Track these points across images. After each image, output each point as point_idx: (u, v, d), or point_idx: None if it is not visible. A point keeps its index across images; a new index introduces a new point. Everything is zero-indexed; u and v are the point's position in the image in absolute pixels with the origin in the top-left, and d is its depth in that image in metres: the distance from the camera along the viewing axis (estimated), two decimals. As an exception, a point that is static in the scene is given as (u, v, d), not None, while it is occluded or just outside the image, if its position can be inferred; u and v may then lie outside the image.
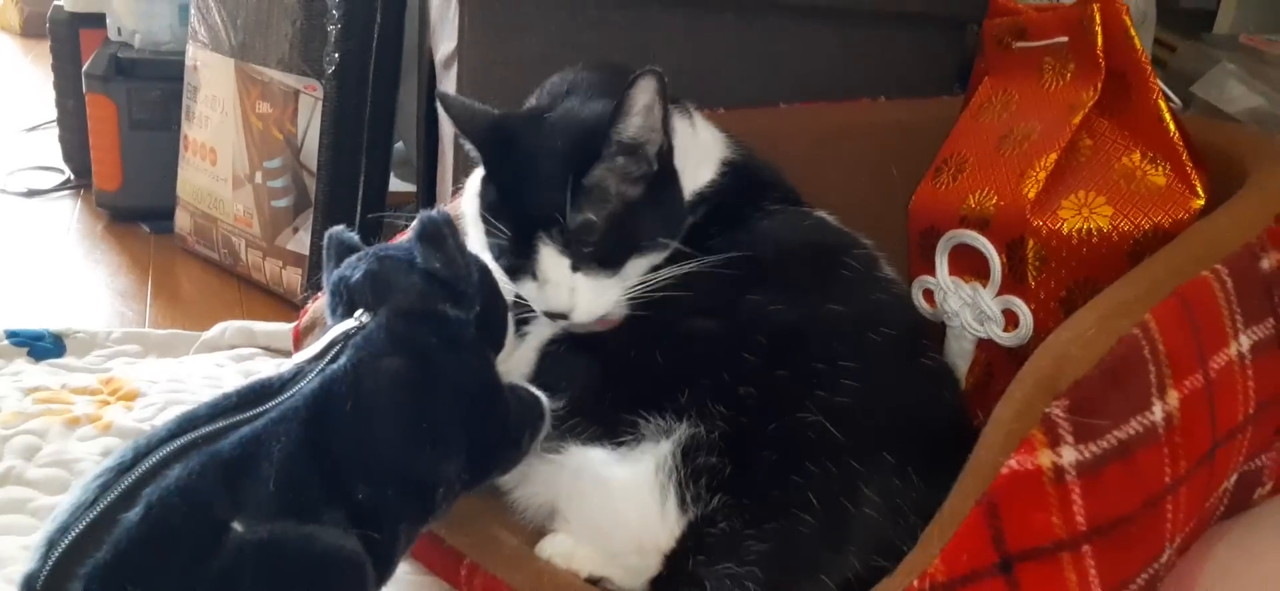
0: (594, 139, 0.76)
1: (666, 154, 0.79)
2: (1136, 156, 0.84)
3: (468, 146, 0.82)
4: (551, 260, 0.76)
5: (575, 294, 0.77)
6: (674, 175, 0.80)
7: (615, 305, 0.78)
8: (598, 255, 0.77)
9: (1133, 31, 0.84)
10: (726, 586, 0.67)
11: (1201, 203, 0.82)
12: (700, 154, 0.86)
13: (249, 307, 1.40)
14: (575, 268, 0.77)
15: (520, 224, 0.77)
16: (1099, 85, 0.84)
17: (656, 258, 0.80)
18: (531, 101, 0.85)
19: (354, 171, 1.38)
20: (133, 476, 0.59)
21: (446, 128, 1.24)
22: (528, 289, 0.78)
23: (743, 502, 0.70)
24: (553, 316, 0.78)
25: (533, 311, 0.82)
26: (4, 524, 0.84)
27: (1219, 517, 0.78)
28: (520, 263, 0.78)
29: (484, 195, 0.80)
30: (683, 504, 0.72)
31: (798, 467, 0.69)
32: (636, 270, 0.79)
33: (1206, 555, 0.75)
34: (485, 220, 0.80)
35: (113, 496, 0.58)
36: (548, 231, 0.76)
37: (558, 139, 0.78)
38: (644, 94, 0.75)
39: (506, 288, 0.78)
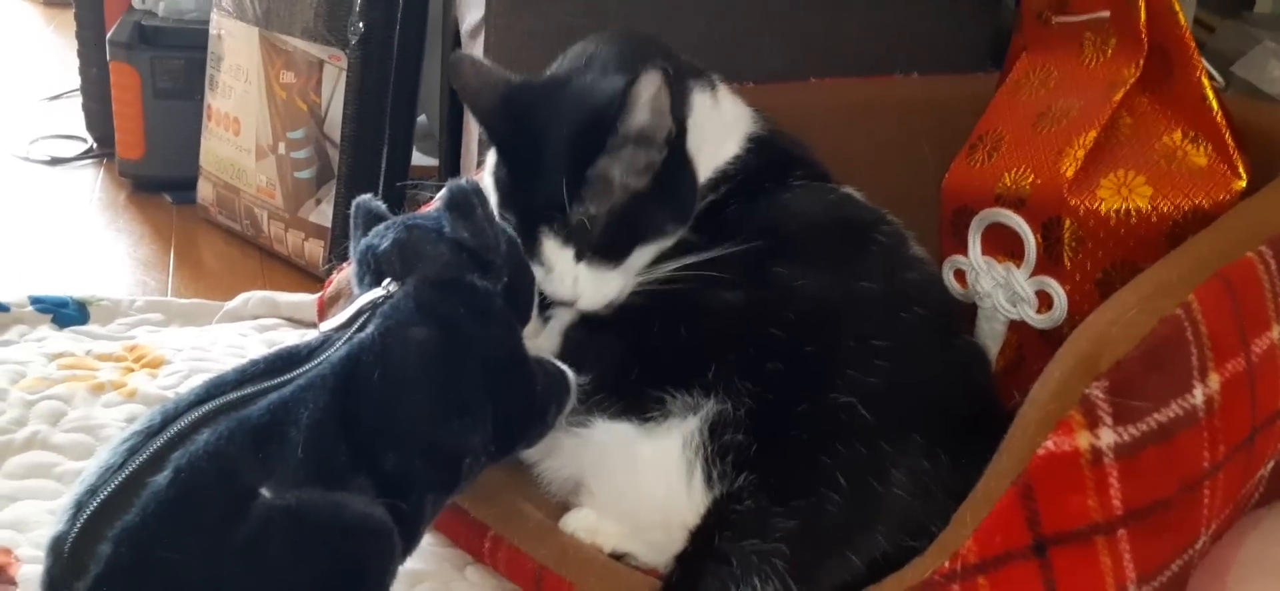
0: (599, 128, 0.74)
1: (677, 137, 0.77)
2: (1178, 135, 0.82)
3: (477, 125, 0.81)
4: (554, 250, 0.76)
5: (578, 283, 0.76)
6: (685, 159, 0.79)
7: (621, 293, 0.78)
8: (600, 248, 0.76)
9: (1177, 6, 0.82)
10: (753, 563, 0.66)
11: (1243, 184, 0.80)
12: (723, 129, 0.85)
13: (270, 279, 1.40)
14: (578, 257, 0.76)
15: (524, 213, 0.76)
16: (1141, 62, 0.83)
17: (665, 243, 0.79)
18: (551, 70, 0.84)
19: (377, 143, 1.38)
20: (161, 440, 0.59)
21: (471, 99, 1.23)
22: (536, 272, 0.77)
23: (769, 480, 0.69)
24: (558, 303, 0.78)
25: (550, 314, 0.81)
26: (30, 488, 0.84)
27: (1254, 505, 0.77)
28: (528, 248, 0.77)
29: (496, 170, 0.79)
30: (709, 480, 0.71)
31: (827, 448, 0.68)
32: (643, 258, 0.78)
33: (1239, 543, 0.74)
34: (499, 206, 0.79)
35: (141, 459, 0.58)
36: (550, 223, 0.75)
37: (564, 125, 0.76)
38: (647, 89, 0.73)
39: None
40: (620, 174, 0.75)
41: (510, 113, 0.78)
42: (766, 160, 0.85)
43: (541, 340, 0.81)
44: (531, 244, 0.76)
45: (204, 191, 1.56)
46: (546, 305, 0.81)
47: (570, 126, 0.76)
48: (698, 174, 0.81)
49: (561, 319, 0.81)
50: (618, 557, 0.75)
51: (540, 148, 0.76)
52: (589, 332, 0.79)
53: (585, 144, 0.74)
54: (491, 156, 0.86)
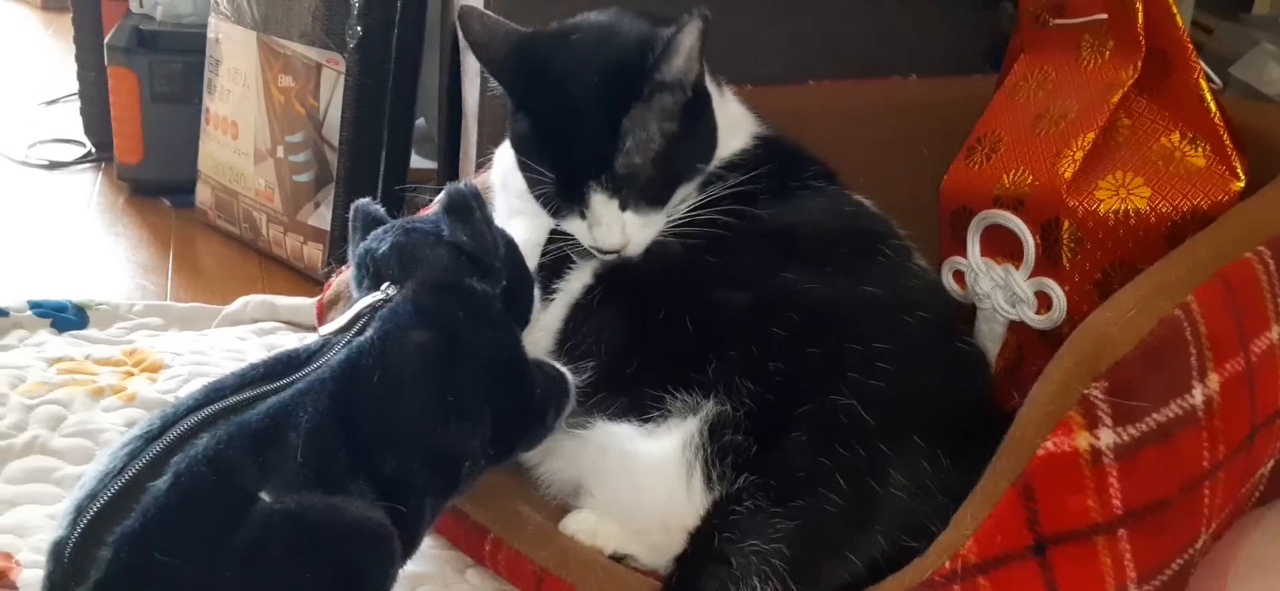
0: (633, 76, 0.76)
1: (700, 79, 0.79)
2: (1176, 137, 0.82)
3: (491, 81, 0.80)
4: (602, 204, 0.77)
5: (627, 230, 0.78)
6: (707, 97, 0.81)
7: (661, 232, 0.80)
8: (646, 194, 0.78)
9: (1174, 8, 0.82)
10: (752, 564, 0.66)
11: (1241, 185, 0.80)
12: (728, 124, 0.85)
13: (269, 283, 1.40)
14: (623, 206, 0.77)
15: (567, 169, 0.77)
16: (1139, 63, 0.83)
17: (697, 182, 0.81)
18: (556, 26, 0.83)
19: (376, 146, 1.38)
20: (161, 444, 0.59)
21: (470, 102, 1.23)
22: (576, 226, 0.79)
23: (769, 482, 0.69)
24: (604, 253, 0.79)
25: (558, 273, 0.81)
26: (29, 493, 0.84)
27: (1254, 504, 0.77)
28: (567, 205, 0.78)
29: (517, 128, 0.80)
30: (709, 481, 0.71)
31: (827, 450, 0.68)
32: (679, 197, 0.81)
33: (1240, 542, 0.74)
34: (523, 161, 0.79)
35: (141, 464, 0.58)
36: (597, 177, 0.76)
37: (593, 73, 0.77)
38: (690, 37, 0.75)
39: (532, 258, 0.78)
40: (657, 120, 0.77)
41: (525, 65, 0.79)
42: (776, 156, 0.85)
43: (541, 322, 0.81)
44: (576, 198, 0.77)
45: (202, 195, 1.56)
46: (547, 286, 0.81)
47: (601, 73, 0.77)
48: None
49: (566, 298, 0.81)
50: (618, 559, 0.75)
51: (573, 102, 0.77)
52: (592, 316, 0.79)
53: (620, 92, 0.76)
54: (498, 156, 0.87)
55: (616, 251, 0.79)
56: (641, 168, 0.77)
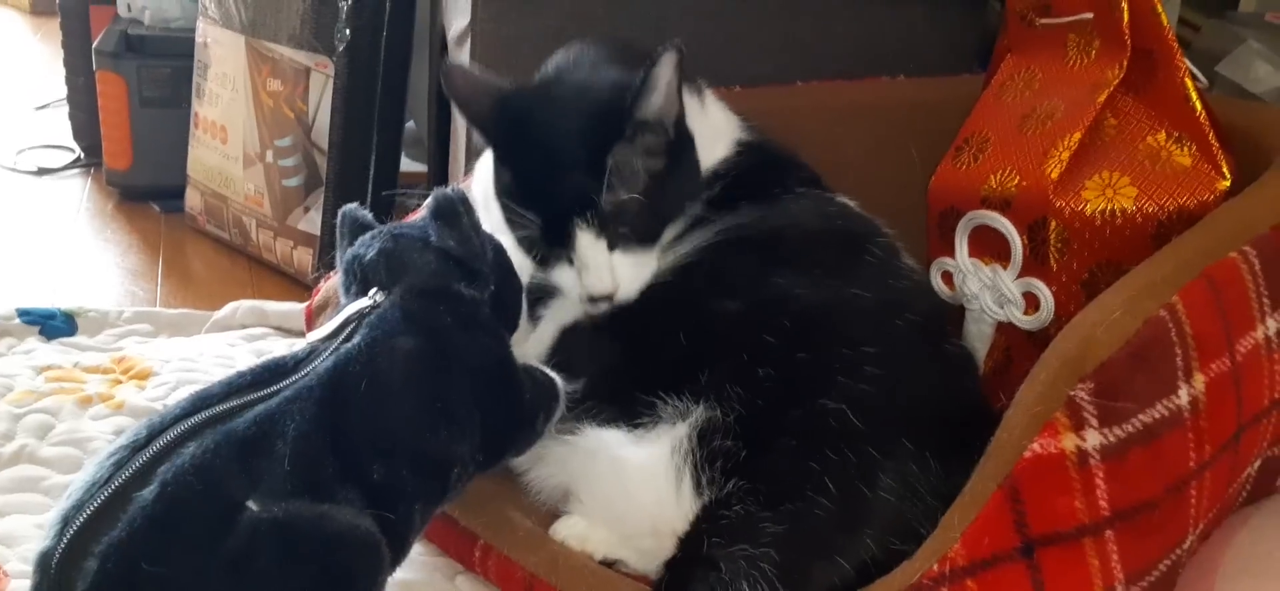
0: (613, 117, 0.75)
1: (681, 120, 0.79)
2: (1162, 136, 0.82)
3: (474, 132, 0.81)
4: (589, 245, 0.75)
5: (616, 273, 0.76)
6: (690, 138, 0.80)
7: (652, 276, 0.78)
8: (635, 233, 0.76)
9: (1160, 7, 0.82)
10: (741, 568, 0.66)
11: (1227, 184, 0.81)
12: (711, 133, 0.85)
13: (259, 288, 1.39)
14: (612, 247, 0.76)
15: (551, 211, 0.76)
16: (1124, 63, 0.83)
17: (684, 223, 0.80)
18: (539, 75, 0.84)
19: (365, 150, 1.38)
20: (147, 454, 0.58)
21: (459, 106, 1.23)
22: (564, 277, 0.77)
23: (758, 486, 0.69)
24: (596, 300, 0.77)
25: (548, 293, 0.81)
26: (17, 502, 0.83)
27: (1241, 504, 0.77)
28: (554, 251, 0.77)
29: (499, 180, 0.79)
30: (698, 486, 0.71)
31: (816, 454, 0.68)
32: (668, 237, 0.80)
33: (1228, 542, 0.75)
34: (507, 208, 0.78)
35: (127, 474, 0.58)
36: (583, 216, 0.75)
37: (574, 118, 0.77)
38: (666, 69, 0.74)
39: (521, 268, 0.78)
40: (641, 158, 0.76)
41: (507, 117, 0.79)
42: (759, 162, 0.85)
43: (530, 343, 0.81)
44: (562, 241, 0.76)
45: (192, 200, 1.56)
46: (535, 307, 0.81)
47: (582, 118, 0.76)
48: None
49: (555, 318, 0.81)
50: (608, 565, 0.75)
51: (555, 146, 0.76)
52: (582, 334, 0.79)
53: (601, 133, 0.75)
54: (482, 165, 0.86)
55: (608, 297, 0.77)
56: (628, 204, 0.75)
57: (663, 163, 0.77)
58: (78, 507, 0.57)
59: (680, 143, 0.78)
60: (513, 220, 0.78)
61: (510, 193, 0.78)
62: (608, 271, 0.76)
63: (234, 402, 0.62)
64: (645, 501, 0.73)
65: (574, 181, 0.75)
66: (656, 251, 0.79)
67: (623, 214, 0.75)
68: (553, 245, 0.77)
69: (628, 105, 0.74)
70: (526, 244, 0.78)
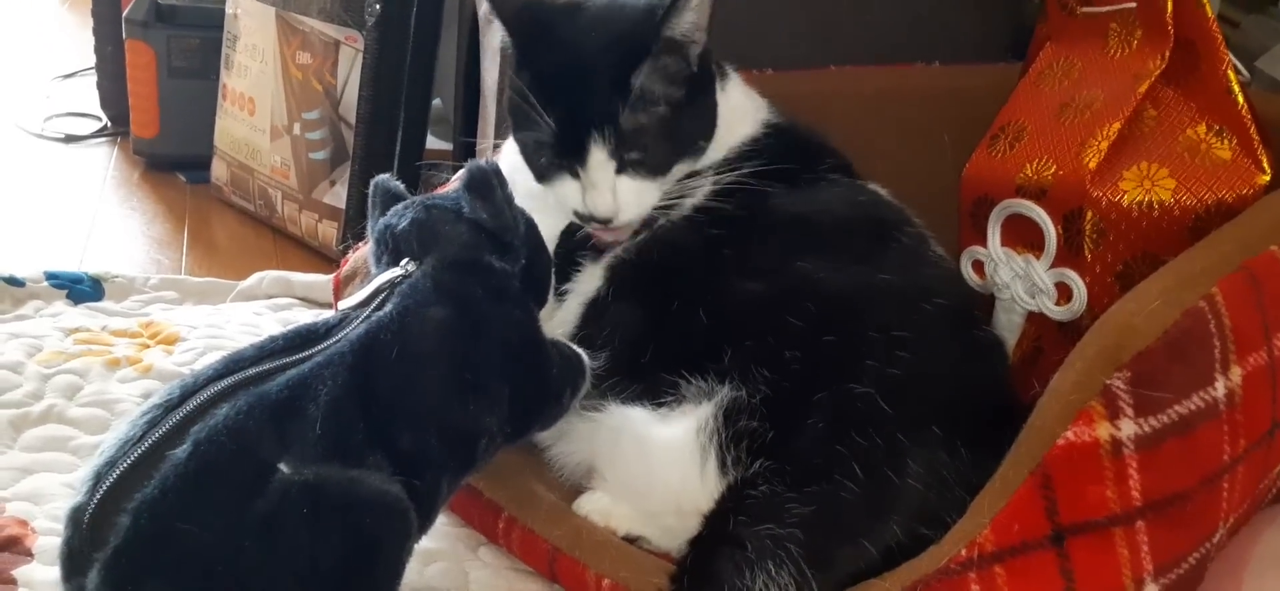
0: (641, 36, 0.75)
1: (706, 57, 0.79)
2: (1202, 128, 0.81)
3: (499, 30, 0.80)
4: (601, 163, 0.75)
5: (618, 196, 0.76)
6: (712, 78, 0.80)
7: (651, 209, 0.78)
8: (647, 159, 0.76)
9: (1204, -1, 0.81)
10: (767, 547, 0.66)
11: (1267, 178, 0.80)
12: (737, 112, 0.85)
13: (283, 260, 1.40)
14: (620, 170, 0.76)
15: (568, 122, 0.76)
16: (1166, 53, 0.82)
17: (694, 163, 0.80)
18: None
19: (392, 125, 1.38)
20: (181, 413, 0.59)
21: (489, 81, 1.23)
22: (565, 188, 0.77)
23: (785, 467, 0.69)
24: (589, 219, 0.77)
25: (575, 267, 0.81)
26: (45, 461, 0.84)
27: (1271, 501, 0.76)
28: (561, 161, 0.77)
29: (521, 78, 0.78)
30: (723, 466, 0.71)
31: (844, 438, 0.68)
32: (675, 175, 0.79)
33: (1256, 538, 0.74)
34: (523, 111, 0.78)
35: (161, 433, 0.58)
36: (601, 131, 0.74)
37: (603, 32, 0.77)
38: None
39: (551, 242, 0.78)
40: (662, 84, 0.76)
41: (538, 17, 0.78)
42: (787, 145, 0.85)
43: (556, 318, 0.81)
44: (571, 155, 0.76)
45: (218, 171, 1.57)
46: (561, 283, 0.81)
47: (611, 34, 0.76)
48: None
49: (581, 296, 0.81)
50: (631, 541, 0.75)
51: (580, 58, 0.76)
52: (607, 308, 0.79)
53: (631, 51, 0.75)
54: (507, 149, 0.86)
55: (606, 221, 0.77)
56: (646, 128, 0.75)
57: (682, 92, 0.77)
58: (110, 464, 0.58)
59: (701, 79, 0.79)
60: (525, 123, 0.78)
61: (529, 92, 0.77)
62: (611, 193, 0.76)
63: (267, 365, 0.62)
64: (670, 480, 0.73)
65: (598, 93, 0.75)
66: (660, 185, 0.78)
67: (638, 136, 0.75)
68: (563, 155, 0.76)
69: (658, 20, 0.75)
70: (532, 146, 0.78)
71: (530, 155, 0.79)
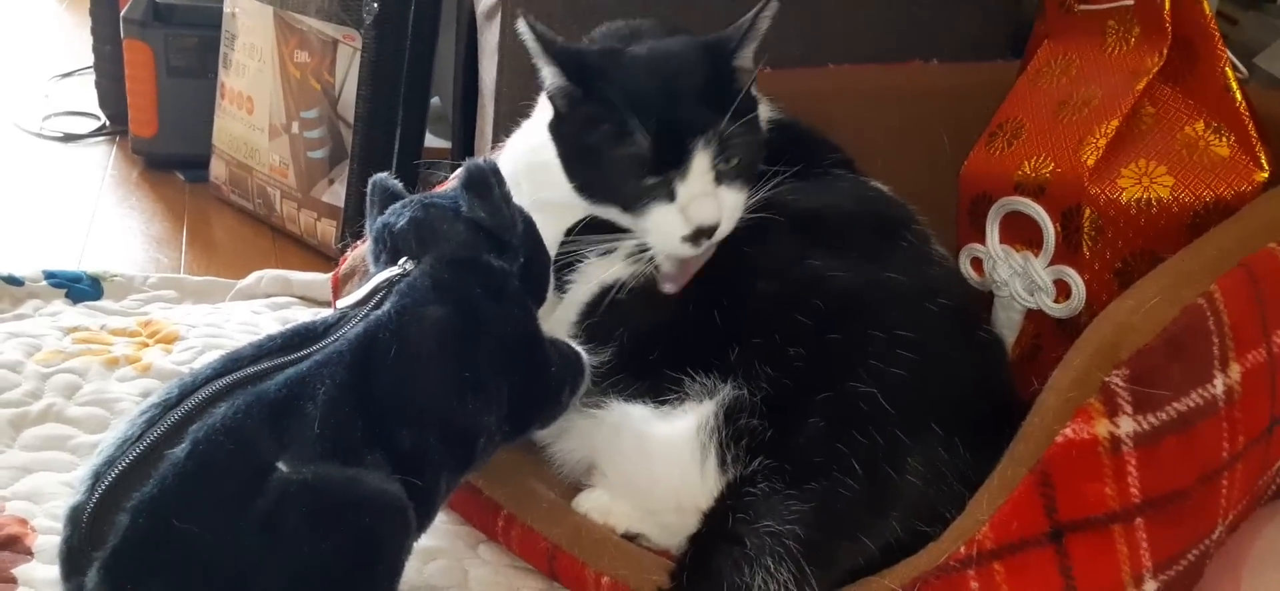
0: (723, 55, 0.76)
1: (753, 82, 0.79)
2: (1200, 126, 0.81)
3: (549, 72, 0.76)
4: (703, 171, 0.73)
5: (722, 205, 0.74)
6: (755, 100, 0.80)
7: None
8: (742, 166, 0.75)
9: (1202, -5, 0.81)
10: (766, 544, 0.66)
11: (1266, 175, 0.80)
12: None
13: (282, 258, 1.40)
14: (718, 181, 0.74)
15: (666, 133, 0.73)
16: (1164, 51, 0.82)
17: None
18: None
19: (391, 124, 1.38)
20: (179, 412, 0.59)
21: (487, 80, 1.23)
22: (661, 215, 0.74)
23: (784, 465, 0.69)
24: (698, 235, 0.74)
25: (576, 263, 0.80)
26: (45, 460, 0.84)
27: (1270, 498, 0.76)
28: (657, 178, 0.74)
29: (586, 112, 0.75)
30: (723, 464, 0.71)
31: (844, 436, 0.68)
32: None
33: (1255, 535, 0.74)
34: (595, 140, 0.75)
35: (159, 432, 0.58)
36: (704, 135, 0.73)
37: (689, 50, 0.77)
38: (765, 21, 0.76)
39: (550, 242, 0.77)
40: (745, 95, 0.76)
41: (594, 52, 0.78)
42: (792, 141, 0.85)
43: (556, 316, 0.80)
44: (676, 160, 0.73)
45: (216, 170, 1.57)
46: (561, 279, 0.80)
47: (696, 50, 0.76)
48: None
49: (581, 294, 0.80)
50: (630, 538, 0.75)
51: (664, 73, 0.75)
52: (608, 308, 0.78)
53: (722, 62, 0.76)
54: (512, 141, 0.85)
55: (711, 231, 0.74)
56: (742, 129, 0.74)
57: (753, 103, 0.78)
58: (109, 463, 0.58)
59: (752, 100, 0.78)
60: (592, 151, 0.75)
61: (607, 119, 0.74)
62: (715, 200, 0.74)
63: (265, 364, 0.62)
64: (669, 477, 0.73)
65: (701, 98, 0.74)
66: (748, 196, 0.77)
67: (735, 142, 0.74)
68: (661, 168, 0.73)
69: (730, 49, 0.75)
70: (621, 167, 0.74)
71: (618, 179, 0.75)
